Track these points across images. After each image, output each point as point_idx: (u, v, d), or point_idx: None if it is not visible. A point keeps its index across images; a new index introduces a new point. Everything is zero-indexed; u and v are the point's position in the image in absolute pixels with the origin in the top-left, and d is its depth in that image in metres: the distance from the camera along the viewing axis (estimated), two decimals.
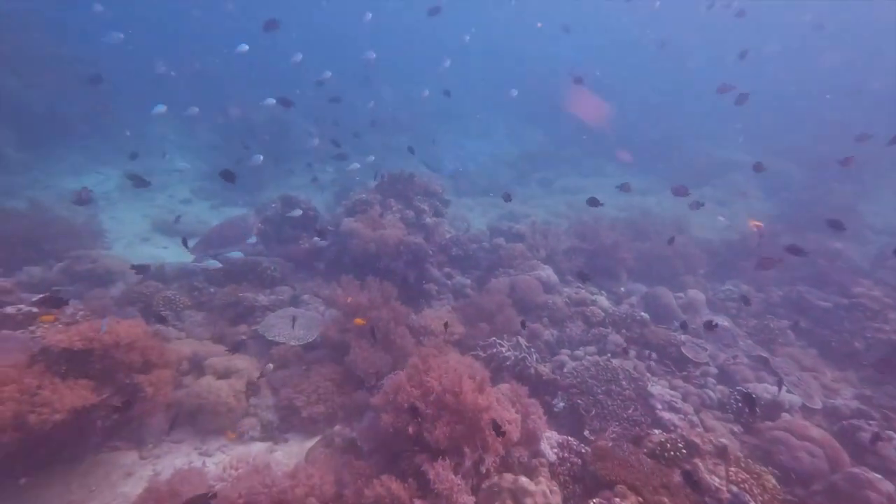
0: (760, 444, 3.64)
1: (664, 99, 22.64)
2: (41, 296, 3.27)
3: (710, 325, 4.17)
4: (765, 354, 4.74)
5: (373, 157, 9.99)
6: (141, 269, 4.32)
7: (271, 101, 8.29)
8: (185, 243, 4.75)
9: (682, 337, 4.73)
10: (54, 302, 2.85)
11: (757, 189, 13.25)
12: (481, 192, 14.32)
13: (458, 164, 17.50)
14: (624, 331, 5.14)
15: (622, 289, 7.30)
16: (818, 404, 4.39)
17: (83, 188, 5.47)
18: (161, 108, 8.22)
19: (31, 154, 10.03)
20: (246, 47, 7.86)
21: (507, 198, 6.47)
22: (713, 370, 4.44)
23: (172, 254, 7.38)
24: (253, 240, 6.89)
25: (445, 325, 4.73)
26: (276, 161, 14.65)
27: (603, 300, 5.87)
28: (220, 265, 5.03)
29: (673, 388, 3.98)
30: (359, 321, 4.24)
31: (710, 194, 12.79)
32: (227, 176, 4.93)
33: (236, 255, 5.63)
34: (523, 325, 4.96)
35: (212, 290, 5.14)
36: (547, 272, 6.68)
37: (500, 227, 8.53)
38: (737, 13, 10.33)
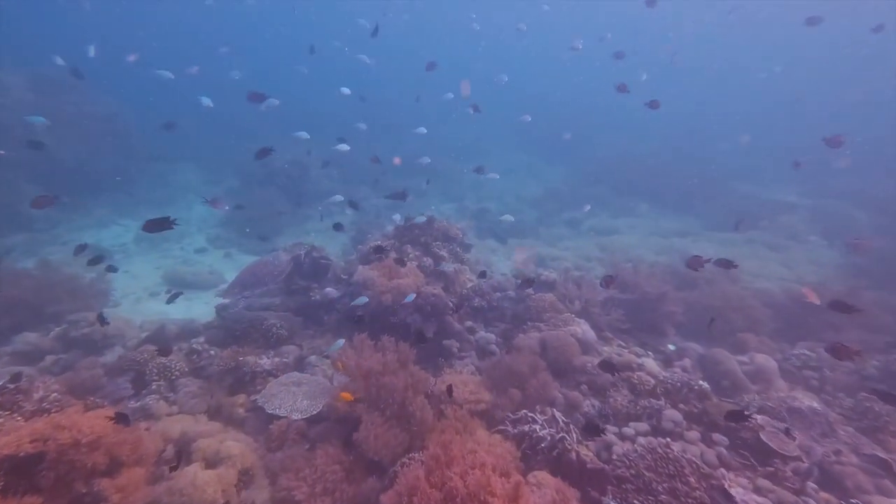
0: None
1: (698, 135, 22.35)
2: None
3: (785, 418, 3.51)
4: (882, 454, 3.90)
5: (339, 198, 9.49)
6: (102, 321, 4.17)
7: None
8: (173, 297, 4.57)
9: (760, 418, 4.02)
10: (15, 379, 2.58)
11: (814, 233, 12.35)
12: (505, 234, 14.03)
13: (480, 204, 17.40)
14: (682, 405, 4.47)
15: (670, 346, 6.62)
16: None
17: (80, 245, 5.43)
18: (208, 101, 8.08)
19: (59, 210, 10.54)
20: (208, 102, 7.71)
21: (480, 170, 6.57)
22: (811, 469, 3.64)
23: (180, 309, 7.25)
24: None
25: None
26: (295, 205, 14.98)
27: (651, 363, 5.23)
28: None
29: (759, 491, 3.27)
30: (346, 396, 3.82)
31: (760, 238, 11.98)
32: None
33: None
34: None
35: (212, 352, 4.85)
36: (583, 328, 6.12)
37: (526, 272, 8.08)
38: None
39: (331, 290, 6.57)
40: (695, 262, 4.86)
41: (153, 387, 4.08)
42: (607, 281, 5.35)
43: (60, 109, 11.70)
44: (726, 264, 4.61)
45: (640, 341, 6.64)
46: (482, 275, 7.70)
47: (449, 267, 6.73)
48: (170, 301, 5.57)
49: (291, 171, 14.70)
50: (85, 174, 11.84)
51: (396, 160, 11.86)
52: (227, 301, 6.66)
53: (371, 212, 16.68)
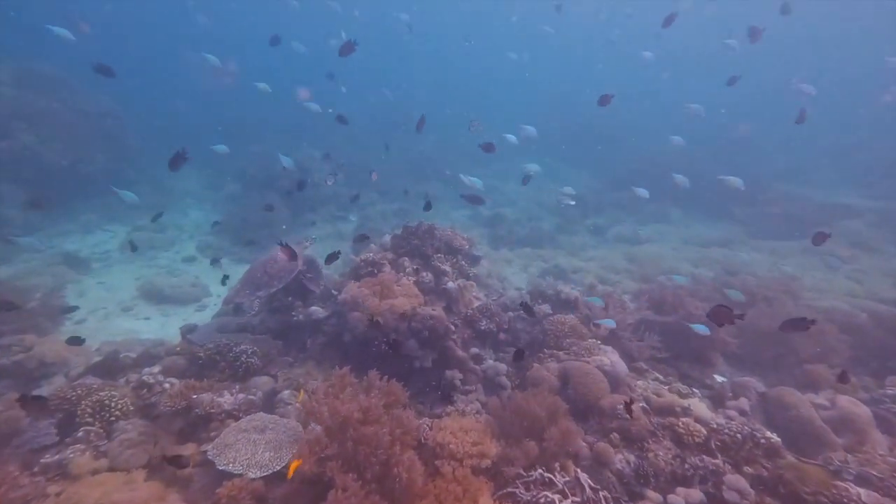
0: None
1: (736, 133, 21.13)
2: None
3: None
4: None
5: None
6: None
7: (286, 159, 8.08)
8: None
9: (863, 494, 3.12)
10: None
11: (885, 242, 11.11)
12: (521, 243, 13.23)
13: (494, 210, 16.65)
14: (746, 466, 3.60)
15: (718, 378, 5.72)
16: None
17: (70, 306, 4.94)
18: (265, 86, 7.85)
19: (41, 214, 10.30)
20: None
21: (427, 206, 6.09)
22: None
23: (154, 326, 6.73)
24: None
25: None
26: (295, 212, 14.54)
27: (700, 406, 4.36)
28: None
29: None
30: (295, 464, 3.12)
31: (820, 247, 10.78)
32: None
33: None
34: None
35: (166, 385, 4.22)
36: (611, 358, 5.28)
37: (543, 288, 7.27)
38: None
39: (316, 310, 5.92)
40: (721, 316, 3.68)
41: (81, 433, 3.46)
42: (526, 310, 4.67)
43: (46, 107, 11.53)
44: (798, 325, 3.38)
45: (681, 373, 5.76)
46: (499, 296, 6.98)
47: (452, 283, 6.00)
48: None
49: (293, 174, 14.25)
50: (72, 176, 11.61)
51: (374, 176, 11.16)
52: (242, 301, 5.99)
53: (376, 218, 16.13)
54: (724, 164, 17.28)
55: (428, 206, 6.82)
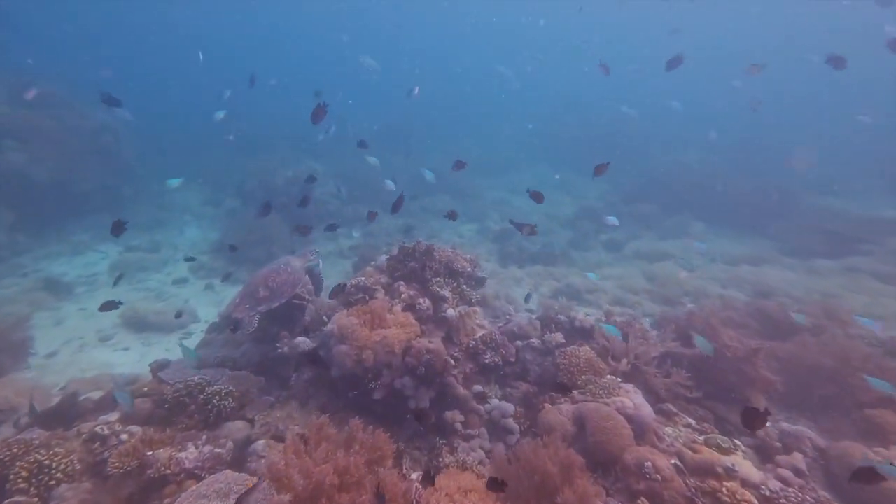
0: None
1: (757, 143, 20.44)
2: None
3: None
4: None
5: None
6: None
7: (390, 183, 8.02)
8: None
9: None
10: None
11: None
12: (532, 259, 12.69)
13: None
14: None
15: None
16: None
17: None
18: (176, 182, 8.37)
19: (30, 235, 10.15)
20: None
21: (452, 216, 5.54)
22: None
23: (133, 358, 6.34)
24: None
25: None
26: (294, 228, 14.25)
27: (745, 465, 3.75)
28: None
29: None
30: None
31: (864, 265, 10.00)
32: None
33: None
34: None
35: (123, 436, 3.78)
36: (634, 399, 4.69)
37: (555, 313, 6.71)
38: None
39: (303, 341, 5.47)
40: (754, 420, 2.82)
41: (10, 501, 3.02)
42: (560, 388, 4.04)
43: (40, 124, 11.50)
44: (871, 477, 2.50)
45: (716, 416, 5.13)
46: (506, 322, 6.46)
47: (452, 311, 5.51)
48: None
49: (292, 189, 14.02)
50: (64, 194, 11.50)
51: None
52: (240, 317, 5.52)
53: (381, 234, 15.77)
54: (750, 173, 16.60)
55: (453, 216, 6.35)
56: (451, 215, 6.06)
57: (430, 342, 5.01)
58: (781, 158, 16.94)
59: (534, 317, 7.51)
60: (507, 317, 6.73)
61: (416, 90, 9.34)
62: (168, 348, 6.73)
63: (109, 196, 13.47)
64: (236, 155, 20.70)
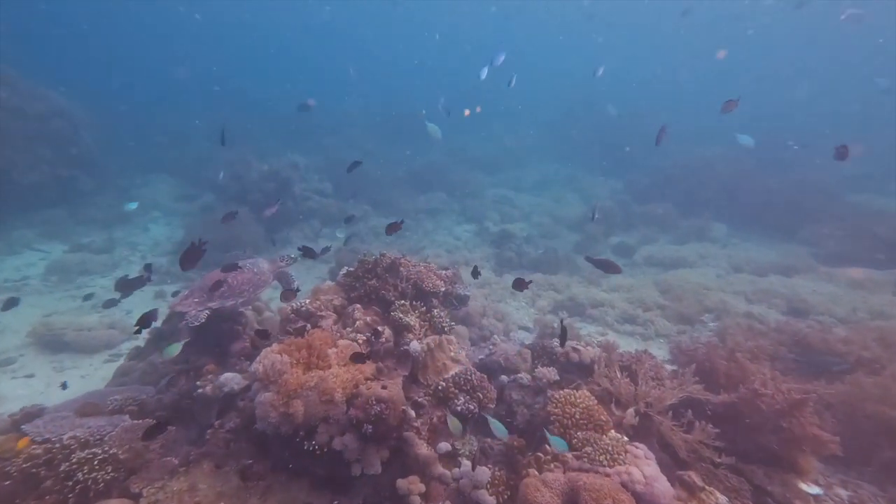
0: None
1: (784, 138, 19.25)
2: None
3: None
4: None
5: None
6: None
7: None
8: None
9: None
10: None
11: None
12: (532, 266, 11.70)
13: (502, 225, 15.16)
14: None
15: (809, 489, 4.11)
16: None
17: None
18: (133, 206, 8.92)
19: None
20: None
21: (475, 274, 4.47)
22: None
23: (37, 388, 5.45)
24: None
25: None
26: (270, 227, 13.34)
27: None
28: None
29: None
30: None
31: None
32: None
33: None
34: None
35: None
36: (646, 469, 3.73)
37: (549, 343, 5.74)
38: None
39: (231, 378, 4.52)
40: None
41: None
42: None
43: None
44: None
45: (753, 485, 4.14)
46: (489, 353, 5.51)
47: (416, 343, 4.55)
48: None
49: (266, 185, 13.09)
50: (4, 185, 10.60)
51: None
52: (186, 311, 4.95)
53: (367, 235, 14.84)
54: (780, 171, 15.44)
55: (476, 274, 5.36)
56: (394, 228, 5.10)
57: (383, 387, 4.07)
58: (813, 152, 15.76)
59: (524, 343, 6.54)
60: (491, 346, 5.74)
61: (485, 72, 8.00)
62: (86, 374, 5.82)
63: (64, 188, 12.59)
64: (218, 147, 19.86)
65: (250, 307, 6.09)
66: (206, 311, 4.98)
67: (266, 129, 25.04)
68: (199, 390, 4.51)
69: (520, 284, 4.91)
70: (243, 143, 18.23)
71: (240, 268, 5.39)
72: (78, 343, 6.33)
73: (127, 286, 4.97)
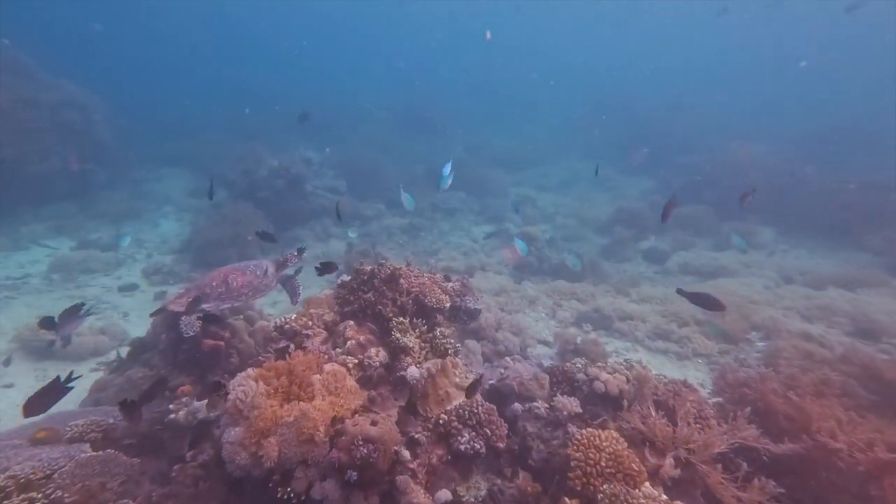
0: None
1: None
2: None
3: None
4: None
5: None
6: None
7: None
8: None
9: None
10: None
11: None
12: (553, 273, 10.98)
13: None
14: None
15: None
16: None
17: None
18: (125, 242, 9.23)
19: None
20: None
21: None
22: None
23: (13, 399, 5.16)
24: None
25: None
26: (279, 225, 13.03)
27: None
28: None
29: None
30: None
31: None
32: None
33: None
34: None
35: None
36: None
37: (571, 368, 5.09)
38: None
39: (195, 407, 4.07)
40: None
41: None
42: None
43: None
44: None
45: None
46: (501, 378, 4.90)
47: (414, 369, 3.99)
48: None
49: (275, 182, 12.77)
50: (16, 177, 10.56)
51: None
52: (178, 310, 4.61)
53: (381, 234, 14.38)
54: (836, 166, 14.18)
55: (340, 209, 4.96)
56: (327, 269, 4.64)
57: (373, 422, 3.54)
58: (877, 149, 14.40)
59: (542, 363, 5.89)
60: (503, 368, 5.14)
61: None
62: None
63: (76, 181, 12.58)
64: (237, 139, 19.81)
65: (241, 316, 5.67)
66: (200, 314, 4.61)
67: (284, 124, 24.97)
68: (171, 416, 4.07)
69: None
70: (260, 138, 18.09)
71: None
72: (64, 350, 6.06)
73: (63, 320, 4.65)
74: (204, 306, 4.82)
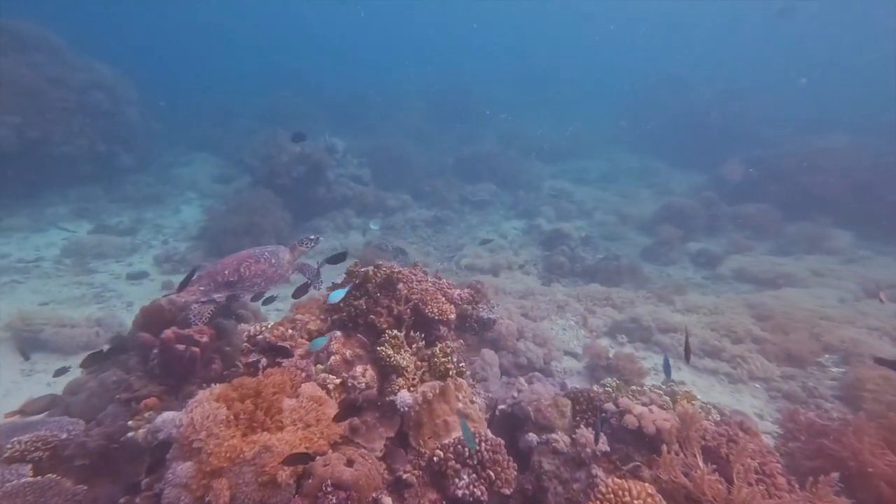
0: None
1: None
2: None
3: None
4: None
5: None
6: None
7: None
8: None
9: None
10: None
11: None
12: (587, 275, 10.12)
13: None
14: None
15: None
16: None
17: None
18: None
19: None
20: None
21: None
22: None
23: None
24: None
25: None
26: (299, 215, 12.76)
27: None
28: None
29: None
30: None
31: None
32: None
33: None
34: None
35: None
36: None
37: (598, 393, 4.39)
38: None
39: (170, 419, 3.63)
40: None
41: None
42: None
43: (11, 71, 10.63)
44: None
45: None
46: (514, 401, 4.30)
47: (406, 394, 3.41)
48: None
49: (296, 168, 12.45)
50: (39, 157, 10.70)
51: None
52: (188, 300, 4.50)
53: (404, 228, 13.87)
54: None
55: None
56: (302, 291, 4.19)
57: (348, 463, 2.99)
58: None
59: (564, 382, 5.16)
60: (517, 391, 4.47)
61: None
62: (54, 381, 5.27)
63: (103, 164, 12.73)
64: (265, 124, 19.83)
65: (233, 317, 5.26)
66: (212, 305, 4.46)
67: (318, 110, 24.89)
68: (129, 434, 3.65)
69: None
70: (289, 124, 17.93)
71: None
72: (55, 342, 5.85)
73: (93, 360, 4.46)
74: (216, 296, 4.64)
